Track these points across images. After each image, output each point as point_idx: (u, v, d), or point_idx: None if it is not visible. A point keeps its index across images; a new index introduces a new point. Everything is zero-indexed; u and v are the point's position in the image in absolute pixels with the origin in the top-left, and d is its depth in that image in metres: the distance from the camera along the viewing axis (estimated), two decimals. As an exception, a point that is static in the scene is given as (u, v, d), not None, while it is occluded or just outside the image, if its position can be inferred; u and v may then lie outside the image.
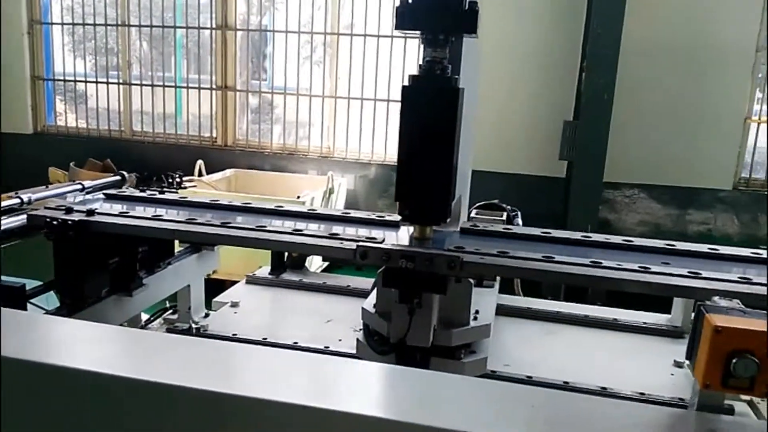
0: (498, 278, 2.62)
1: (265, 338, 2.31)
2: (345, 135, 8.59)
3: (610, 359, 2.38)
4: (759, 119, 7.39)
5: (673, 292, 1.73)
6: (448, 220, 2.18)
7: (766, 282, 1.37)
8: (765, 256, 1.93)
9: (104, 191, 2.61)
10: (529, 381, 2.18)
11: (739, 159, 7.49)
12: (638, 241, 2.19)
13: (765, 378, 1.17)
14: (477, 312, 2.30)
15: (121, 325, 2.17)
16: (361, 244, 1.94)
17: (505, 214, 2.91)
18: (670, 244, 2.14)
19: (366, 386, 1.37)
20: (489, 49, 7.61)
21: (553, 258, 1.93)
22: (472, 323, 2.22)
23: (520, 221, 3.09)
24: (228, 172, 8.25)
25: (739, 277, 1.81)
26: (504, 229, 2.37)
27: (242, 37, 9.00)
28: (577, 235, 2.26)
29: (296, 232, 2.07)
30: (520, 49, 7.58)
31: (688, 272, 1.85)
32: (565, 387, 2.15)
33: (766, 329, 1.18)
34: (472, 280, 2.20)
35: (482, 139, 7.82)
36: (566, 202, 7.13)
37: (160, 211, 2.30)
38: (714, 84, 7.19)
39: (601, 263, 1.89)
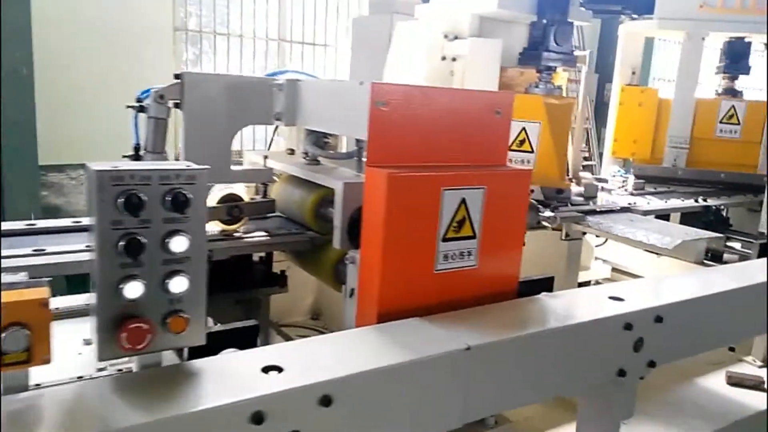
0: None
1: None
2: None
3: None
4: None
5: None
6: None
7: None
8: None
9: None
10: None
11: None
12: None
13: (43, 346, 1.16)
14: None
15: None
16: None
17: None
18: (31, 223, 2.05)
19: None
20: None
21: None
22: None
23: None
24: None
25: (86, 247, 1.85)
26: None
27: None
28: None
29: None
30: None
31: (33, 251, 1.80)
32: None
33: (41, 297, 1.16)
34: None
35: None
36: (1, 191, 6.30)
37: None
38: (140, 60, 7.44)
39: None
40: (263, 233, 2.16)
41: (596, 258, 3.97)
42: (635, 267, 3.85)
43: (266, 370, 1.36)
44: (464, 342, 1.57)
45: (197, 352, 1.48)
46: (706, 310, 2.10)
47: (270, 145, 2.86)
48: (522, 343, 1.68)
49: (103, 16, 7.14)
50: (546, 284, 2.19)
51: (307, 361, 1.43)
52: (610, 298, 1.99)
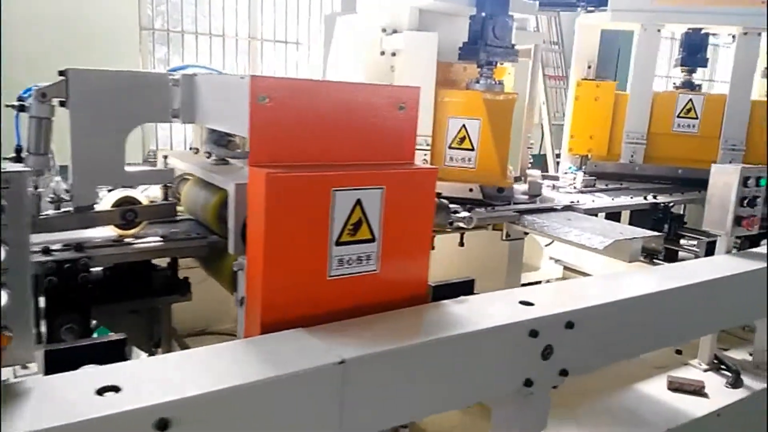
0: None
1: None
2: None
3: None
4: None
5: None
6: None
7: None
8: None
9: None
10: None
11: (145, 136, 7.97)
12: None
13: None
14: None
15: None
16: None
17: None
18: None
19: None
20: None
21: None
22: None
23: None
24: None
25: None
26: None
27: None
28: None
29: None
30: None
31: None
32: None
33: None
34: None
35: None
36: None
37: None
38: (107, 60, 7.28)
39: None
40: (158, 238, 2.05)
41: (550, 258, 3.87)
42: (587, 266, 3.75)
43: (102, 390, 1.25)
44: (339, 355, 1.46)
45: (57, 371, 1.37)
46: (624, 315, 1.99)
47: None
48: (407, 353, 1.56)
49: (67, 15, 6.99)
50: (465, 287, 2.07)
51: (154, 380, 1.31)
52: (521, 302, 1.87)
